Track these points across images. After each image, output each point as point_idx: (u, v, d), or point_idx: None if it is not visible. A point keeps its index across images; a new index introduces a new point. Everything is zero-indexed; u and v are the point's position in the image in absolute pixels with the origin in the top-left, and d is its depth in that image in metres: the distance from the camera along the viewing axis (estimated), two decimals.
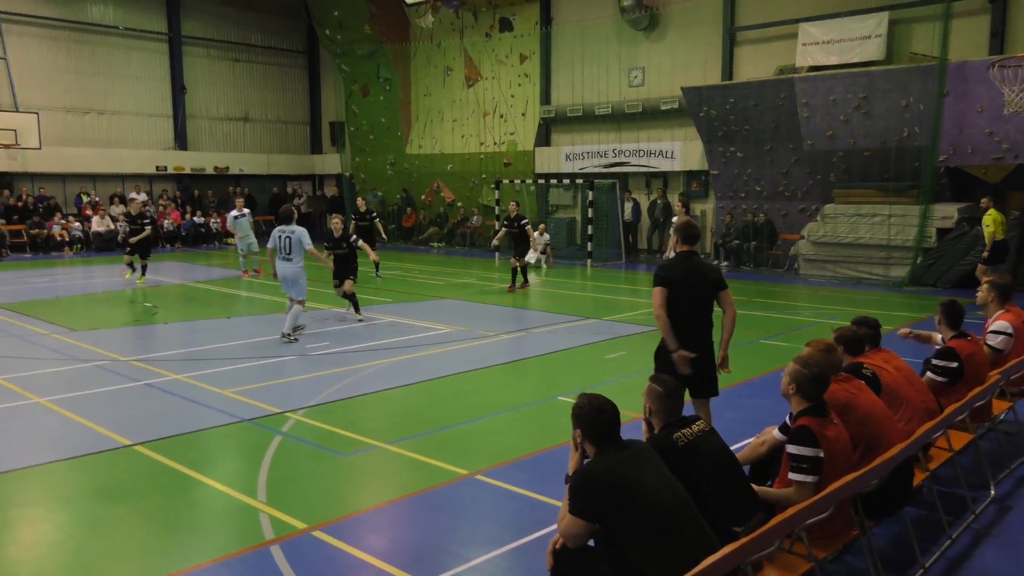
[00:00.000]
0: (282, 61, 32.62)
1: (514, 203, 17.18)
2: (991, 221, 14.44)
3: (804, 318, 13.37)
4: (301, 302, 11.42)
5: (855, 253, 18.15)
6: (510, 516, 5.60)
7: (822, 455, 4.12)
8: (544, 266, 20.95)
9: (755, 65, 21.41)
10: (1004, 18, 17.76)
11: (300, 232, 11.24)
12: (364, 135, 30.28)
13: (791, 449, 4.20)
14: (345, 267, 13.27)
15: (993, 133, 16.31)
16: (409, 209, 29.10)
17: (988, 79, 16.12)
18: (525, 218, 16.75)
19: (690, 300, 6.00)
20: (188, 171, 29.18)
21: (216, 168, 29.85)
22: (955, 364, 5.95)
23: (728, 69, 21.96)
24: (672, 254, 6.04)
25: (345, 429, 7.41)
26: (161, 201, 28.01)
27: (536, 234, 20.00)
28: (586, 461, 3.68)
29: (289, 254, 11.18)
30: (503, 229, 17.04)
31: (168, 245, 26.96)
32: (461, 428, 7.60)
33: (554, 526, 5.23)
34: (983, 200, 14.86)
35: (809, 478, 4.12)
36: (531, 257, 20.11)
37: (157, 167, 28.42)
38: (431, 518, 5.55)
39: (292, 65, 33.08)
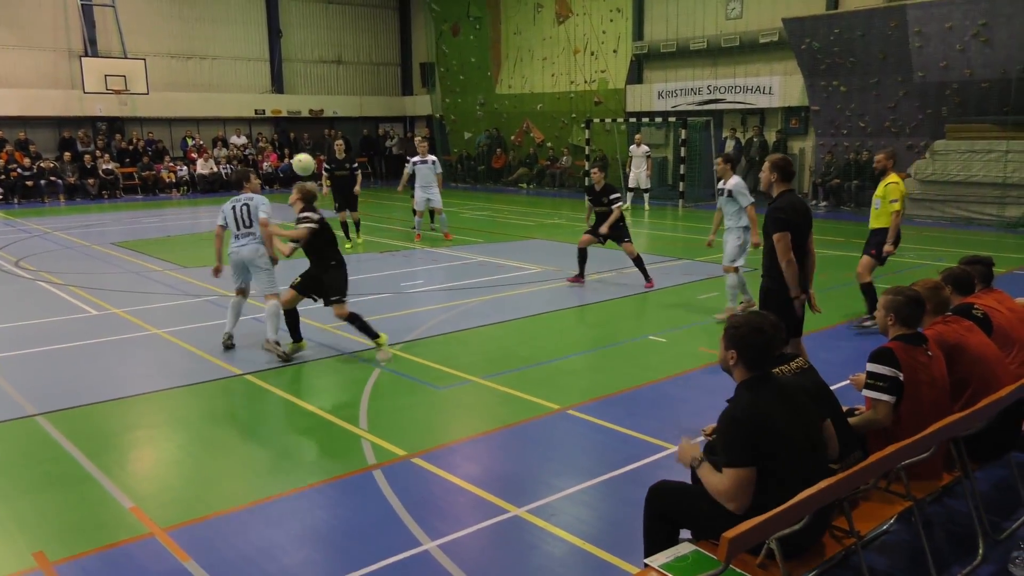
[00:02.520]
0: (373, 2, 32.72)
1: (596, 169, 11.48)
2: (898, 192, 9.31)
3: (908, 259, 12.84)
4: (274, 295, 8.25)
5: (967, 192, 17.21)
6: (601, 449, 5.71)
7: (901, 377, 4.08)
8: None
9: None
10: None
11: (258, 199, 8.30)
12: (454, 75, 30.26)
13: (869, 367, 4.20)
14: (346, 193, 12.18)
15: None
16: (499, 150, 29.08)
17: None
18: (616, 191, 11.37)
19: (798, 240, 5.96)
20: (285, 114, 29.89)
21: (311, 111, 30.47)
22: None
23: None
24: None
25: (440, 364, 7.64)
26: (260, 144, 28.87)
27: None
28: (732, 400, 3.49)
29: (250, 227, 8.18)
30: (588, 206, 11.58)
31: (267, 187, 27.85)
32: (552, 365, 7.72)
33: (645, 461, 5.34)
34: (881, 155, 9.48)
35: (884, 396, 4.10)
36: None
37: (256, 111, 29.21)
38: (524, 449, 5.72)
39: (383, 6, 33.15)
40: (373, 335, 7.89)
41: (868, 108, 19.29)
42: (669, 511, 3.66)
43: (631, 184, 20.93)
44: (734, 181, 9.16)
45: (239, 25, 28.92)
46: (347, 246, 11.91)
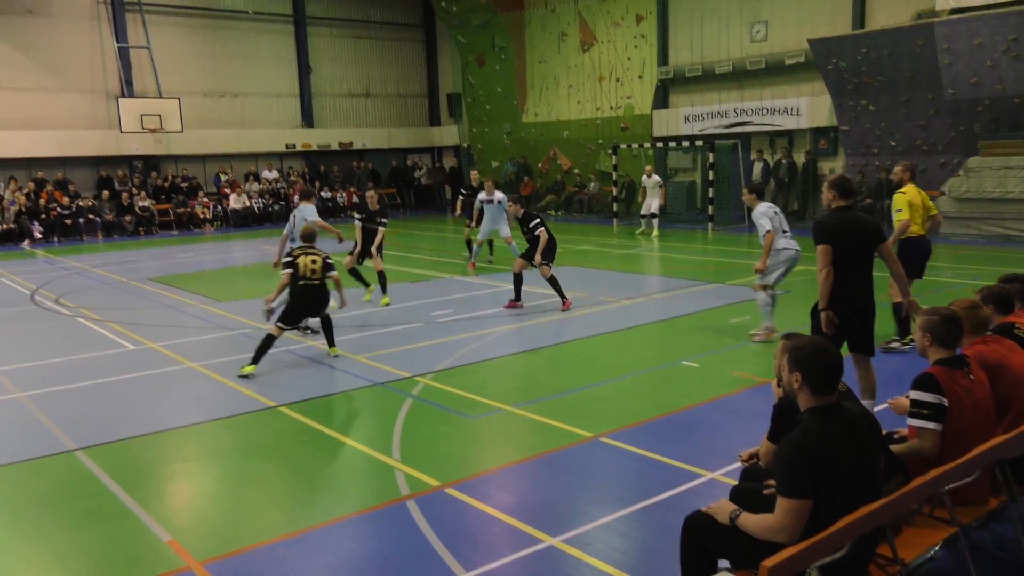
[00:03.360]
0: (400, 36, 33.26)
1: (511, 202, 12.07)
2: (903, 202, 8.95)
3: (945, 279, 12.63)
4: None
5: (1003, 209, 16.93)
6: (635, 477, 5.65)
7: (946, 403, 3.98)
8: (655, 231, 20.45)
9: (889, 11, 20.10)
10: None
11: (304, 209, 11.05)
12: (480, 105, 30.57)
13: (913, 395, 4.11)
14: (369, 244, 12.19)
15: None
16: (526, 178, 29.23)
17: None
18: (535, 219, 11.51)
19: (852, 256, 5.97)
20: (315, 148, 30.36)
21: (340, 144, 30.90)
22: None
23: (860, 17, 20.71)
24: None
25: (471, 392, 7.64)
26: (292, 178, 29.31)
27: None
28: (799, 427, 3.35)
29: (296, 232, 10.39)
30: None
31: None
32: (584, 392, 7.68)
33: (679, 489, 5.27)
34: (899, 168, 9.26)
35: (930, 424, 4.00)
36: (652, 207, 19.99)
37: (287, 145, 29.70)
38: (558, 478, 5.68)
39: (410, 39, 33.69)
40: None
41: (898, 127, 19.12)
42: (706, 541, 3.61)
43: (645, 212, 20.83)
44: (759, 209, 9.22)
45: (270, 62, 29.53)
46: (366, 298, 12.28)
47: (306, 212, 11.08)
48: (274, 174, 29.04)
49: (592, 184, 27.22)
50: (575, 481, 5.59)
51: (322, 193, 29.30)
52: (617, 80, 26.61)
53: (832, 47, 19.58)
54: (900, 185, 8.95)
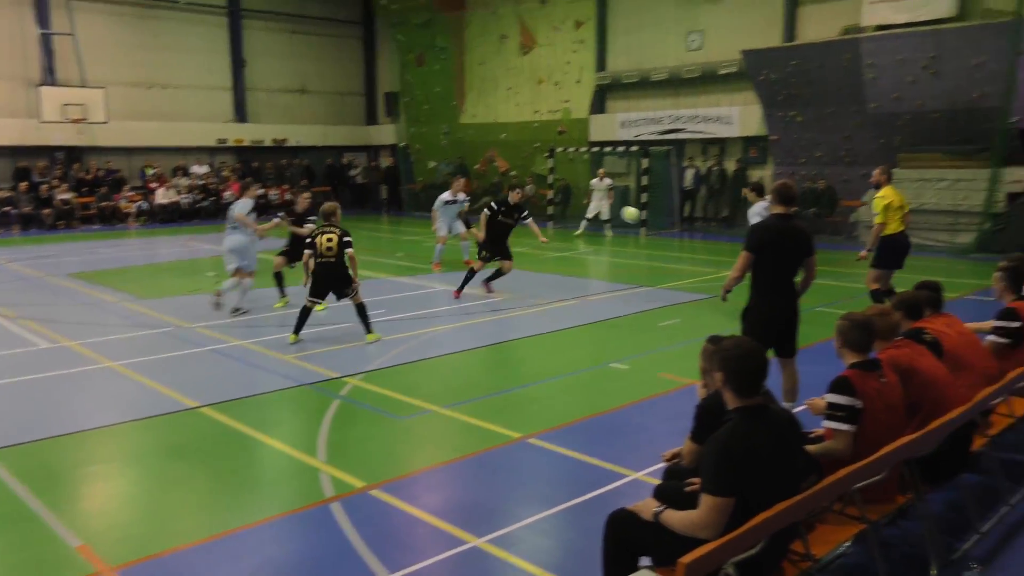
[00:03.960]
0: (338, 32, 32.83)
1: (517, 190, 12.94)
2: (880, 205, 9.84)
3: (864, 285, 13.07)
4: (251, 274, 11.27)
5: (919, 219, 17.55)
6: (563, 478, 5.69)
7: (860, 405, 4.12)
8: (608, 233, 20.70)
9: (818, 25, 20.73)
10: None
11: (239, 203, 11.23)
12: (419, 105, 30.39)
13: (828, 397, 4.23)
14: (298, 249, 11.37)
15: None
16: (463, 179, 29.16)
17: None
18: (526, 210, 12.83)
19: (779, 262, 6.15)
20: (248, 143, 29.73)
21: (274, 140, 30.33)
22: (1017, 324, 5.79)
23: (790, 30, 21.32)
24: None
25: (401, 393, 7.58)
26: (224, 173, 28.63)
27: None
28: (726, 426, 3.42)
29: (234, 224, 11.04)
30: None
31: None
32: (515, 393, 7.70)
33: (606, 488, 5.32)
34: (877, 171, 10.20)
35: (844, 426, 4.13)
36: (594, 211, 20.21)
37: (218, 140, 29.00)
38: (485, 479, 5.68)
39: (348, 36, 33.28)
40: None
41: (825, 138, 19.73)
42: (628, 539, 3.66)
43: (589, 214, 21.09)
44: (755, 208, 9.57)
45: (202, 54, 28.78)
46: (278, 305, 11.83)
47: (239, 206, 11.19)
48: (204, 169, 28.34)
49: (528, 187, 27.30)
50: (502, 482, 5.60)
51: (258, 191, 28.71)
52: (556, 84, 26.80)
53: (764, 58, 20.10)
54: (879, 187, 9.68)
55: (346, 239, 9.39)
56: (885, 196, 9.59)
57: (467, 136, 29.27)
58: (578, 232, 21.11)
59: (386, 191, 31.42)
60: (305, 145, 31.25)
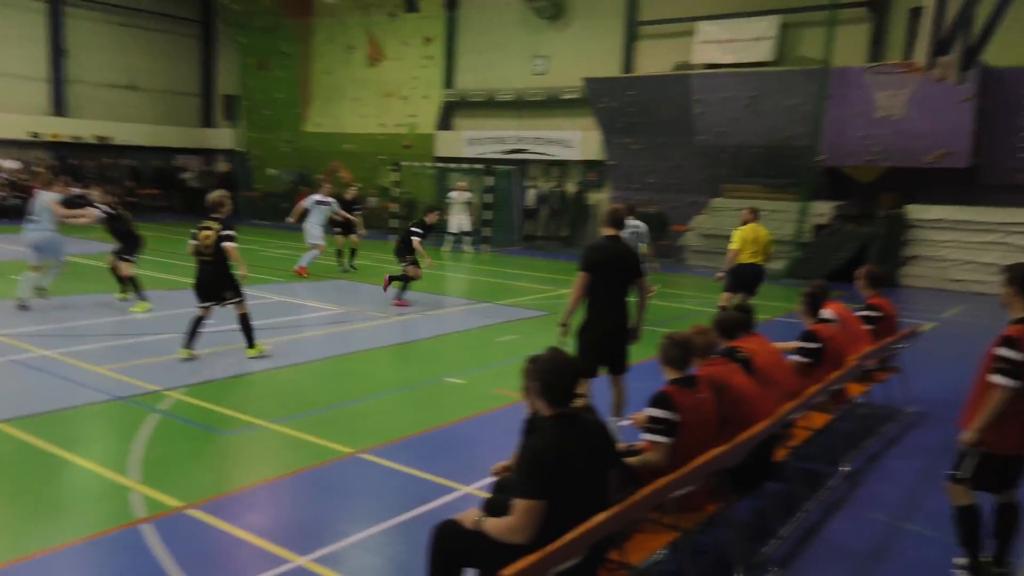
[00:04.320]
0: (173, 28, 31.15)
1: (435, 212, 13.32)
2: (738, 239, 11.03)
3: (689, 306, 13.89)
4: (59, 264, 11.36)
5: None
6: (394, 493, 5.63)
7: (677, 419, 4.36)
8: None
9: (654, 60, 21.96)
10: (882, 27, 18.86)
11: (46, 194, 11.03)
12: (260, 110, 29.35)
13: (648, 411, 4.46)
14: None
15: (867, 136, 17.32)
16: (304, 188, 28.41)
17: (864, 84, 17.10)
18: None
19: (610, 281, 6.36)
20: (66, 139, 27.56)
21: (97, 137, 28.30)
22: (816, 345, 6.35)
23: (628, 62, 22.44)
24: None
25: (227, 408, 7.25)
26: (36, 169, 26.35)
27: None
28: (536, 433, 3.56)
29: (38, 218, 10.89)
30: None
31: None
32: (347, 408, 7.55)
33: (437, 502, 5.31)
34: (745, 211, 11.53)
35: (661, 439, 4.36)
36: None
37: (30, 133, 26.69)
38: (313, 496, 5.52)
39: (184, 34, 31.65)
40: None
41: (657, 165, 20.85)
42: (452, 550, 3.67)
43: (453, 229, 21.10)
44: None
45: (15, 41, 26.42)
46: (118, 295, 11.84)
47: (47, 196, 11.01)
48: (15, 164, 25.99)
49: (372, 199, 27.02)
50: (331, 499, 5.47)
51: (73, 189, 26.61)
52: (403, 98, 26.75)
53: (604, 87, 21.01)
54: (744, 223, 11.10)
55: (225, 232, 8.47)
56: (744, 231, 10.96)
57: (310, 145, 28.58)
58: (445, 249, 20.98)
59: None
60: (133, 144, 29.36)
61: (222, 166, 31.85)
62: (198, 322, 8.76)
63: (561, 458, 3.42)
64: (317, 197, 15.85)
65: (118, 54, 29.41)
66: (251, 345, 8.98)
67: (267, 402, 7.56)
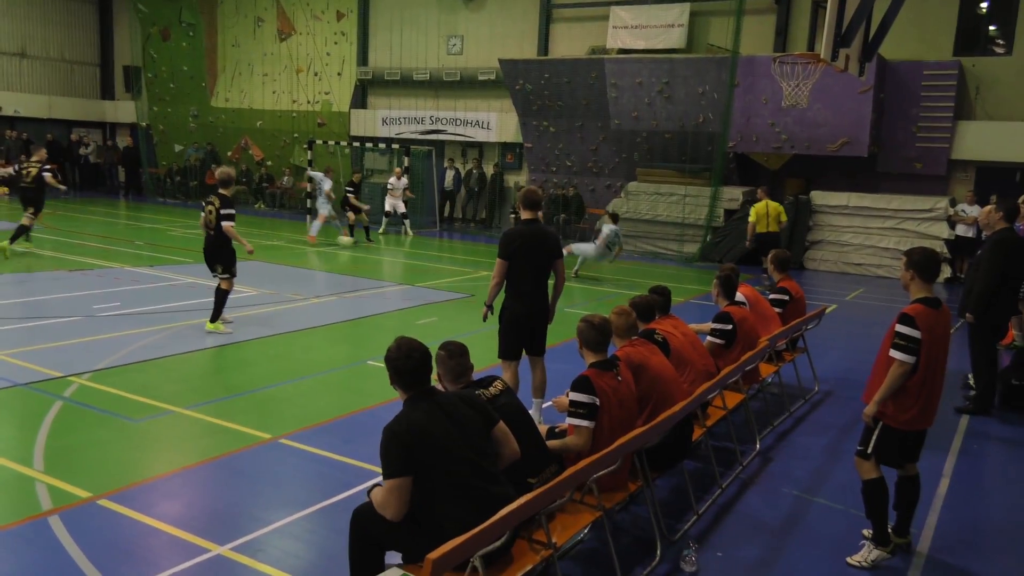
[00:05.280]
0: None
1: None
2: (753, 212, 14.34)
3: (606, 288, 14.13)
4: None
5: (654, 229, 19.35)
6: (315, 478, 5.55)
7: (598, 402, 4.44)
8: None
9: (569, 43, 22.08)
10: (788, 19, 19.48)
11: None
12: (164, 83, 28.15)
13: (571, 396, 4.52)
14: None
15: (775, 124, 17.91)
16: (213, 165, 27.47)
17: (771, 74, 17.65)
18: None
19: (529, 265, 6.39)
20: None
21: None
22: (730, 327, 6.56)
23: (544, 45, 22.49)
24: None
25: (136, 394, 6.98)
26: None
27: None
28: (393, 418, 3.66)
29: None
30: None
31: None
32: (265, 392, 7.39)
33: (359, 487, 5.27)
34: (759, 190, 15.25)
35: (584, 423, 4.43)
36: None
37: None
38: (231, 483, 5.39)
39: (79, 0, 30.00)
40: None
41: (574, 148, 21.04)
42: (373, 533, 3.66)
43: (388, 210, 20.56)
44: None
45: None
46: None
47: None
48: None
49: (286, 178, 26.36)
50: (250, 486, 5.35)
51: None
52: (316, 75, 26.11)
53: (519, 69, 21.00)
54: (758, 200, 14.51)
55: (224, 212, 8.93)
56: (758, 207, 14.30)
57: (219, 121, 27.64)
58: (380, 230, 20.41)
59: (124, 173, 28.77)
60: (25, 116, 27.75)
61: (124, 141, 30.46)
62: (219, 292, 9.25)
63: (419, 434, 3.52)
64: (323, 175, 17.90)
65: (5, 19, 27.68)
66: (213, 320, 9.24)
67: (179, 387, 7.32)
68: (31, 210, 13.89)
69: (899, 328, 4.53)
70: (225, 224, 8.94)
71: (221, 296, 9.19)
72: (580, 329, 4.71)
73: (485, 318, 6.68)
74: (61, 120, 29.23)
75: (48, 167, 14.59)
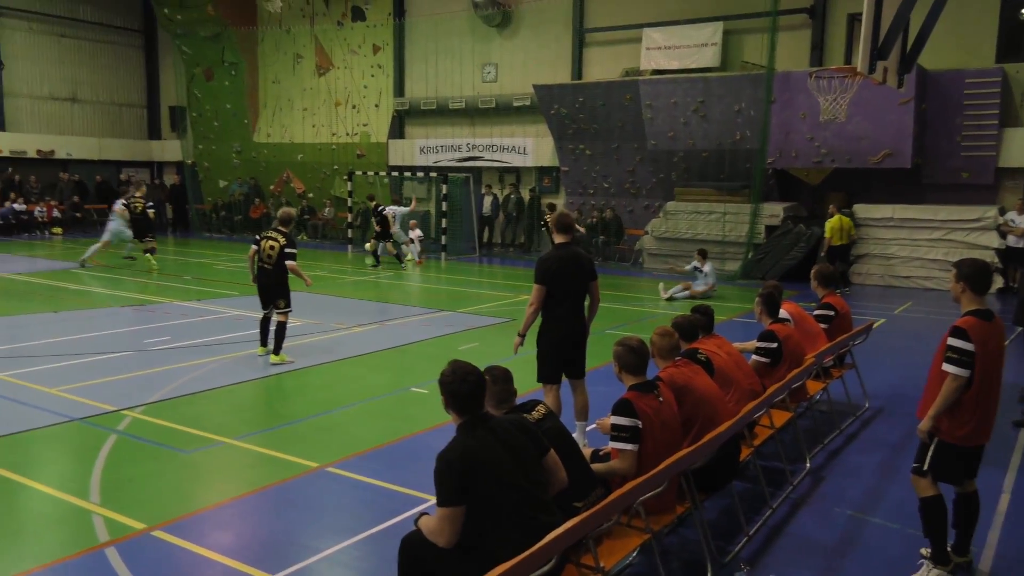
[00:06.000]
0: (115, 39, 30.51)
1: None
2: (829, 227, 16.05)
3: (647, 309, 14.05)
4: None
5: (694, 247, 19.14)
6: (362, 506, 5.59)
7: (640, 425, 4.40)
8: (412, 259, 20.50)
9: (603, 66, 22.18)
10: (823, 33, 19.33)
11: None
12: (208, 121, 28.88)
13: (612, 419, 4.49)
14: None
15: (813, 138, 17.73)
16: (257, 200, 28.05)
17: (808, 88, 17.51)
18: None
19: (566, 289, 6.40)
20: (7, 154, 26.79)
21: (39, 152, 27.58)
22: (775, 345, 6.47)
23: (578, 69, 22.62)
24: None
25: (187, 425, 7.12)
26: None
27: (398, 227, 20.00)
28: (447, 444, 3.62)
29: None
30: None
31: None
32: (312, 421, 7.48)
33: (407, 514, 5.29)
34: (831, 206, 16.60)
35: (628, 446, 4.40)
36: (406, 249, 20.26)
37: None
38: (280, 512, 5.45)
39: (127, 44, 31.02)
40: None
41: (611, 171, 21.04)
42: (423, 561, 3.67)
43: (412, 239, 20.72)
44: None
45: None
46: None
47: None
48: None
49: (327, 209, 26.79)
50: (298, 514, 5.41)
51: (14, 205, 25.91)
52: (354, 107, 26.57)
53: (554, 94, 21.14)
54: (831, 216, 16.05)
55: (288, 250, 9.26)
56: (832, 222, 15.95)
57: (261, 156, 28.22)
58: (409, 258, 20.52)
59: (171, 210, 29.52)
60: (77, 158, 28.67)
61: (171, 179, 31.26)
62: (264, 323, 9.65)
63: (474, 463, 3.50)
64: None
65: (58, 66, 28.73)
66: (276, 352, 9.44)
67: (227, 418, 7.45)
68: (149, 235, 17.59)
69: (951, 341, 4.43)
70: (289, 263, 9.27)
71: (282, 329, 9.43)
72: (617, 353, 4.68)
73: (516, 350, 6.56)
74: (111, 161, 30.13)
75: (151, 204, 18.70)
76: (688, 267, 15.98)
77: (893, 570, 4.70)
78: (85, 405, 7.61)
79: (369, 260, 19.53)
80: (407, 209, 19.92)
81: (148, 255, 17.49)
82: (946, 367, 4.42)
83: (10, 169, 26.80)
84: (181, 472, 6.23)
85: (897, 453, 6.75)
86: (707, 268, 15.63)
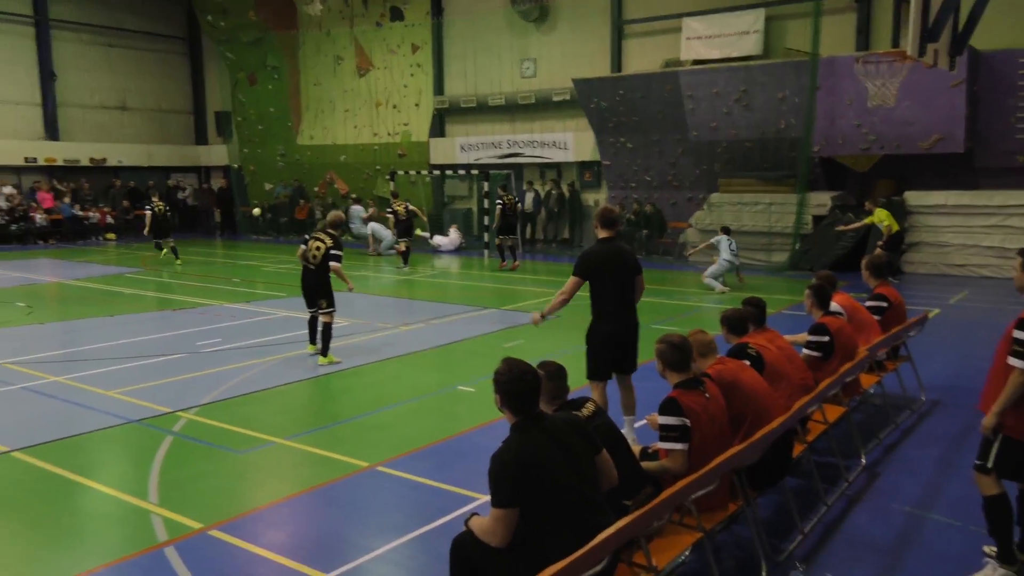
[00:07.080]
0: (160, 47, 31.18)
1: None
2: (885, 216, 15.93)
3: (692, 303, 13.90)
4: None
5: (739, 240, 18.85)
6: (413, 505, 5.63)
7: (688, 423, 4.35)
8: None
9: (642, 58, 21.99)
10: (869, 16, 18.89)
11: None
12: (252, 125, 29.36)
13: (659, 419, 4.43)
14: None
15: (861, 125, 17.34)
16: (302, 201, 28.43)
17: (854, 74, 17.13)
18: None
19: (611, 283, 6.37)
20: (61, 163, 27.57)
21: (92, 160, 28.31)
22: (827, 338, 6.33)
23: (617, 61, 22.46)
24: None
25: (240, 426, 7.25)
26: (36, 188, 26.43)
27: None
28: (502, 444, 3.60)
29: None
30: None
31: (41, 241, 25.45)
32: (361, 421, 7.56)
33: (456, 513, 5.32)
34: (866, 203, 16.61)
35: (677, 445, 4.34)
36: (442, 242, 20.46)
37: (26, 158, 26.70)
38: (332, 511, 5.52)
39: (172, 52, 31.68)
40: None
41: (652, 163, 20.86)
42: (473, 560, 3.68)
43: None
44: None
45: (5, 66, 26.44)
46: None
47: None
48: (9, 189, 26.00)
49: (371, 209, 27.00)
50: (350, 513, 5.47)
51: (76, 212, 26.68)
52: (394, 107, 26.76)
53: (593, 87, 21.01)
54: (870, 212, 15.95)
55: (333, 252, 9.40)
56: (878, 213, 15.76)
57: (304, 158, 28.61)
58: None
59: (219, 214, 30.08)
60: (127, 165, 29.38)
61: (218, 183, 31.87)
62: (312, 322, 9.82)
63: (529, 465, 3.46)
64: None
65: (107, 75, 29.44)
66: (324, 354, 9.54)
67: (278, 418, 7.57)
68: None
69: (1017, 334, 4.28)
70: (334, 264, 9.41)
71: (328, 330, 9.52)
72: (660, 351, 4.62)
73: (536, 322, 6.80)
74: (160, 167, 30.80)
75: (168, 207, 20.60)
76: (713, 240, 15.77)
77: (954, 569, 4.59)
78: (142, 407, 7.80)
79: (397, 262, 19.60)
80: (364, 213, 22.03)
81: (170, 252, 19.62)
82: (1012, 360, 4.27)
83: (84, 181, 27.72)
84: (235, 472, 6.35)
85: (956, 448, 6.58)
86: (717, 242, 15.45)
